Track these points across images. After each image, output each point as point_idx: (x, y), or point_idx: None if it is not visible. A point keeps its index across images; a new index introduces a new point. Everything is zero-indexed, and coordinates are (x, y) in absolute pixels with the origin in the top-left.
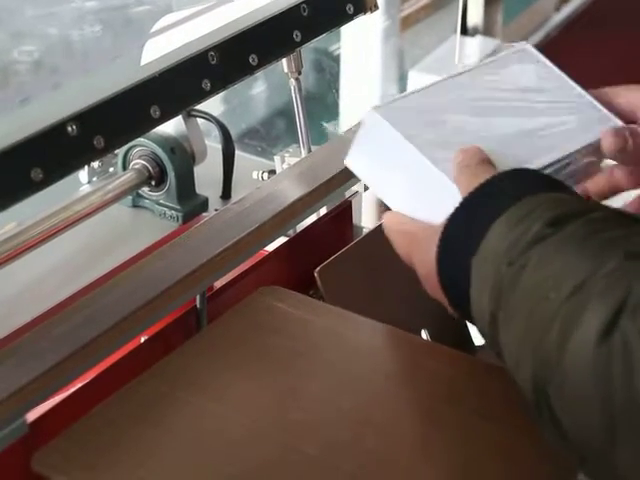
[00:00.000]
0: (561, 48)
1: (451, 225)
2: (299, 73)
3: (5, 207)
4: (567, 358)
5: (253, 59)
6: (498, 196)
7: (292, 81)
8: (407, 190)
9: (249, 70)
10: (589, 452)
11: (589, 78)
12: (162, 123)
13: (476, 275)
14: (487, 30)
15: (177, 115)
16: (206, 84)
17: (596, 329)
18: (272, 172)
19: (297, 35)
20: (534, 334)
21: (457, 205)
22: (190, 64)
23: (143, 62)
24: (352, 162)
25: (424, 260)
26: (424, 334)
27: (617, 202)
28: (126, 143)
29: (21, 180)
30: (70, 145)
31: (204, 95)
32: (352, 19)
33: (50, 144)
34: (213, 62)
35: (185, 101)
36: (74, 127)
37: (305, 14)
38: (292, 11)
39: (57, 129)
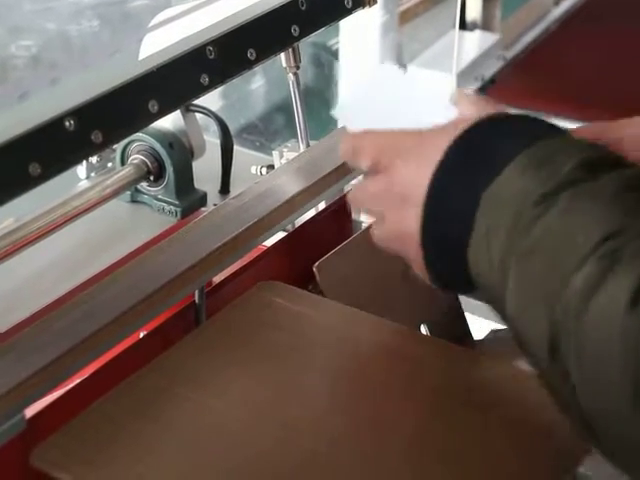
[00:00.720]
0: (560, 43)
1: (451, 155)
2: (297, 68)
3: (3, 202)
4: (591, 315)
5: (251, 54)
6: (515, 131)
7: (290, 76)
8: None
9: (247, 65)
10: (600, 416)
11: (588, 73)
12: (160, 118)
13: (486, 214)
14: (486, 25)
15: (175, 110)
16: (204, 79)
17: (626, 295)
18: (271, 167)
19: (295, 30)
20: (555, 276)
21: (459, 133)
22: (188, 59)
23: (141, 57)
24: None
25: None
26: (423, 329)
27: None
28: (124, 138)
29: (19, 175)
30: (68, 140)
31: (202, 90)
32: (350, 13)
33: (48, 139)
34: (211, 57)
35: (183, 96)
36: (72, 122)
37: (303, 8)
38: (290, 5)
39: (55, 124)
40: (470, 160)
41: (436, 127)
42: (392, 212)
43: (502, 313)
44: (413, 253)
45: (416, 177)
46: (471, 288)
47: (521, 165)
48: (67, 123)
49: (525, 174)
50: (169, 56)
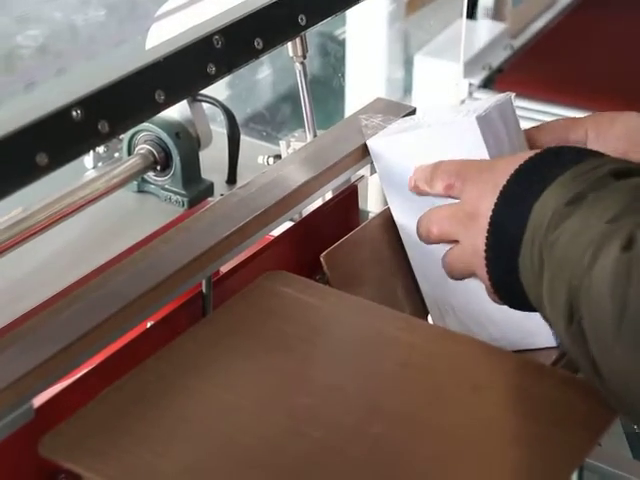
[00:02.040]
0: (568, 30)
1: (512, 181)
2: (304, 57)
3: (10, 192)
4: (595, 271)
5: (258, 43)
6: (564, 158)
7: (297, 65)
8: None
9: (254, 54)
10: (602, 358)
11: (597, 61)
12: (167, 108)
13: (531, 222)
14: (495, 13)
15: (182, 100)
16: (211, 68)
17: (620, 242)
18: (278, 157)
19: (302, 19)
20: (573, 252)
21: (523, 160)
22: (195, 48)
23: (148, 46)
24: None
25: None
26: (431, 319)
27: None
28: (131, 128)
29: (26, 165)
30: (75, 130)
31: (209, 80)
32: (358, 2)
33: (55, 129)
34: (218, 46)
35: (190, 86)
36: (79, 112)
37: None
38: None
39: (62, 114)
40: (527, 183)
41: (508, 156)
42: (463, 231)
43: (542, 312)
44: (482, 271)
45: (484, 197)
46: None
47: (562, 179)
48: (74, 113)
49: (563, 186)
50: (176, 46)
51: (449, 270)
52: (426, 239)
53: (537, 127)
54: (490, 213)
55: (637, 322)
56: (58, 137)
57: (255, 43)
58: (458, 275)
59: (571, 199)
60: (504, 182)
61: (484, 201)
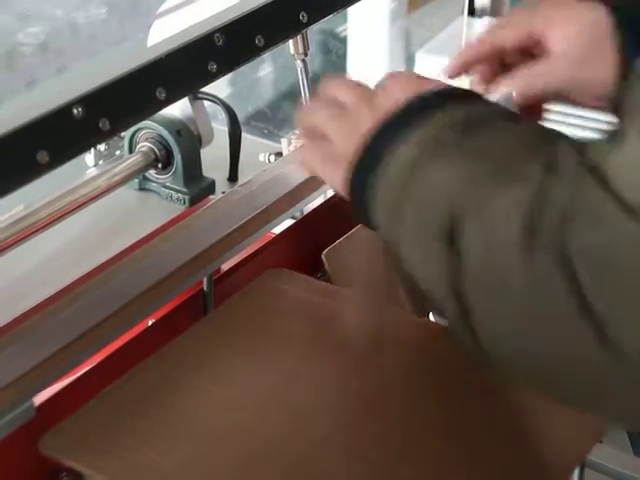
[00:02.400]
0: None
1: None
2: (306, 54)
3: (11, 190)
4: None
5: (259, 40)
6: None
7: (299, 62)
8: None
9: (255, 52)
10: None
11: None
12: (168, 105)
13: (393, 155)
14: (495, 11)
15: (183, 97)
16: (212, 66)
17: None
18: (279, 154)
19: (304, 16)
20: (450, 189)
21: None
22: (196, 46)
23: (149, 44)
24: None
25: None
26: (432, 316)
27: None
28: (132, 125)
29: (27, 163)
30: (76, 128)
31: (210, 77)
32: (359, 0)
33: (56, 127)
34: (219, 44)
35: (191, 83)
36: (80, 110)
37: None
38: None
39: (63, 111)
40: (397, 122)
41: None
42: (341, 134)
43: (397, 249)
44: (336, 177)
45: (372, 116)
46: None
47: (420, 125)
48: (75, 111)
49: (422, 130)
50: (177, 43)
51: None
52: (303, 122)
53: (500, 22)
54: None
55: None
56: (59, 135)
57: (256, 40)
58: (308, 166)
59: (433, 142)
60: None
61: (372, 118)
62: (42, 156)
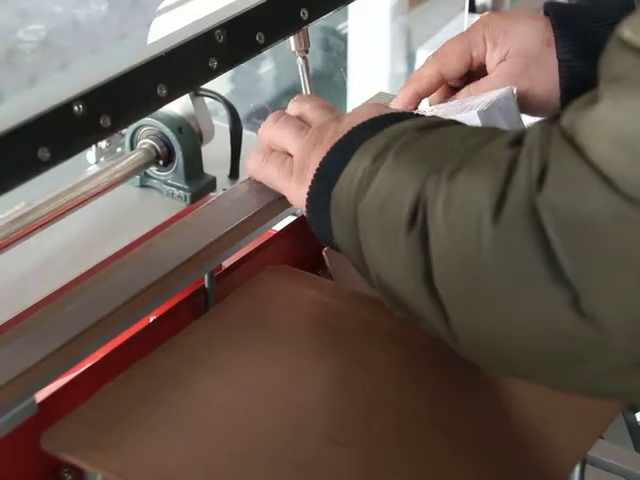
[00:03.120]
0: None
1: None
2: (306, 52)
3: (12, 187)
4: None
5: (260, 37)
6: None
7: (299, 60)
8: None
9: (256, 48)
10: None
11: None
12: (169, 102)
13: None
14: (495, 8)
15: (184, 94)
16: (213, 63)
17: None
18: None
19: (304, 13)
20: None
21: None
22: (197, 43)
23: (149, 41)
24: None
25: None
26: None
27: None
28: (133, 122)
29: (28, 160)
30: (77, 124)
31: (211, 74)
32: None
33: (57, 123)
34: (220, 41)
35: (192, 80)
36: (80, 106)
37: None
38: None
39: (64, 108)
40: (361, 132)
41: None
42: (302, 148)
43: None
44: (294, 188)
45: (330, 132)
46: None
47: (365, 146)
48: (76, 108)
49: (362, 155)
50: (177, 40)
51: (252, 168)
52: (262, 136)
53: (443, 51)
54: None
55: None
56: (60, 132)
57: (257, 37)
58: (260, 175)
59: (376, 155)
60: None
61: (331, 133)
62: (43, 153)
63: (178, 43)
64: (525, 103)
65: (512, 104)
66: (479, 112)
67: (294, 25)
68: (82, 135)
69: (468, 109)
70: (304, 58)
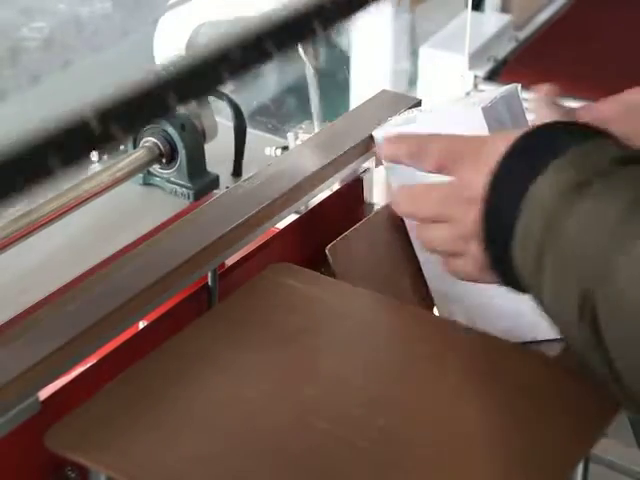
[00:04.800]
0: (574, 22)
1: (505, 159)
2: (316, 60)
3: (22, 196)
4: (619, 274)
5: (270, 46)
6: (559, 138)
7: (309, 69)
8: None
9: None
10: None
11: (603, 52)
12: (178, 109)
13: (528, 205)
14: (503, 6)
15: (193, 101)
16: (224, 72)
17: None
18: (285, 149)
19: (316, 23)
20: (586, 249)
21: (515, 138)
22: (207, 57)
23: (156, 39)
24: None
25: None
26: (436, 310)
27: None
28: (141, 129)
29: (37, 169)
30: (86, 133)
31: (221, 82)
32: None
33: (66, 131)
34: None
35: (202, 89)
36: (90, 115)
37: None
38: None
39: (72, 116)
40: (518, 165)
41: (499, 133)
42: (459, 213)
43: (539, 298)
44: (475, 251)
45: (479, 179)
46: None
47: (559, 163)
48: (85, 116)
49: (562, 171)
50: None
51: (430, 246)
52: (419, 219)
53: (584, 107)
54: (482, 194)
55: None
56: (70, 140)
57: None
58: (442, 253)
59: (574, 186)
60: (496, 162)
61: (478, 181)
62: (53, 162)
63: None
64: None
65: (517, 101)
66: (483, 108)
67: (305, 35)
68: (91, 143)
69: (470, 105)
70: (315, 68)
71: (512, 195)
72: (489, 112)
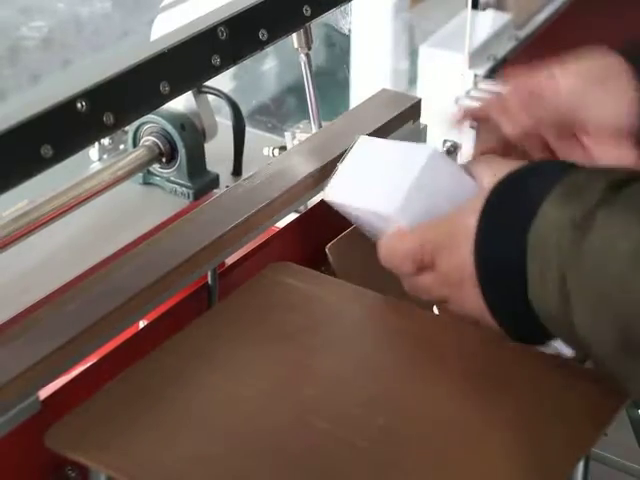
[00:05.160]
0: (574, 20)
1: (483, 224)
2: (309, 48)
3: (15, 184)
4: None
5: (263, 34)
6: (538, 178)
7: (302, 57)
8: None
9: (259, 45)
10: None
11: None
12: (172, 99)
13: (534, 258)
14: (499, 4)
15: (187, 91)
16: (216, 60)
17: None
18: (283, 148)
19: (307, 10)
20: (611, 286)
21: (482, 203)
22: (199, 40)
23: (153, 38)
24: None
25: (454, 261)
26: (436, 309)
27: None
28: (136, 120)
29: (31, 157)
30: (80, 122)
31: (214, 71)
32: None
33: (60, 121)
34: (222, 37)
35: (195, 77)
36: (84, 104)
37: None
38: None
39: (67, 105)
40: (503, 219)
41: (461, 207)
42: (454, 297)
43: (573, 339)
44: (490, 323)
45: (462, 260)
46: (549, 336)
47: (554, 202)
48: (79, 105)
49: (559, 209)
50: (180, 37)
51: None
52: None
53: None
54: (471, 263)
55: None
56: (63, 129)
57: (260, 34)
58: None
59: (579, 223)
60: (474, 231)
61: (462, 260)
62: (46, 150)
63: (181, 40)
64: (595, 122)
65: (440, 165)
66: (396, 210)
67: (297, 22)
68: (85, 132)
69: (378, 200)
70: (307, 55)
71: (511, 251)
72: (406, 210)
